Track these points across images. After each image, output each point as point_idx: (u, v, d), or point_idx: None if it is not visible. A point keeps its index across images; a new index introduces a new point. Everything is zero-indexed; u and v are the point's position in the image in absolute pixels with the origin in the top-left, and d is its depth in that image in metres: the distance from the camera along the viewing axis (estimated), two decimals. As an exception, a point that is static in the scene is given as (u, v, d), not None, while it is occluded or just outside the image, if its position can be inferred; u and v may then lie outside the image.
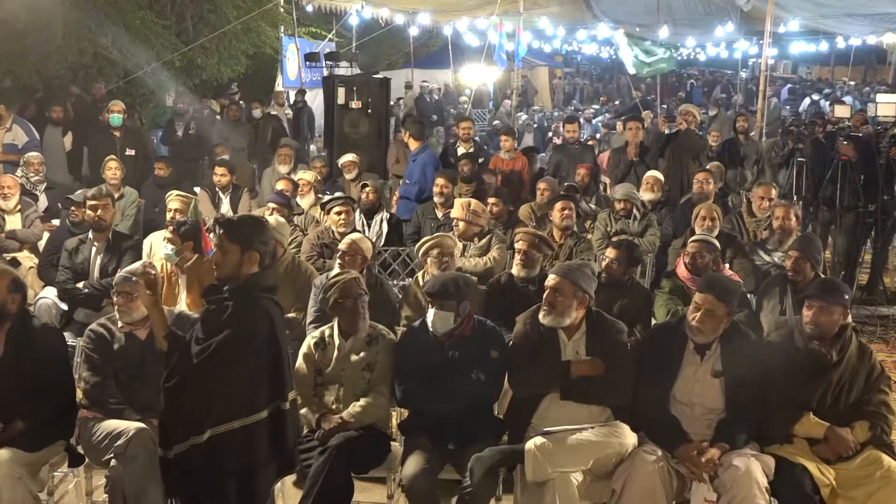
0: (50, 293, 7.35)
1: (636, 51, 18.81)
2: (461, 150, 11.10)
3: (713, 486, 4.71)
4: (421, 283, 6.43)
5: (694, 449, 4.76)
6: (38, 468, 4.96)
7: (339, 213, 7.74)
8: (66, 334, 6.18)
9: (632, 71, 19.09)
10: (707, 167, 9.85)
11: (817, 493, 4.70)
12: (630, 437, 4.91)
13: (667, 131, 12.19)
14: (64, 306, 7.17)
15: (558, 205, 7.78)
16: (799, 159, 9.92)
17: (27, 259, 8.22)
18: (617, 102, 27.25)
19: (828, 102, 22.40)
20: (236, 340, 4.12)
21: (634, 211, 8.49)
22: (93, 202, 7.40)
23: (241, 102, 16.01)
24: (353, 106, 12.63)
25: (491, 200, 8.59)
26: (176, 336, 4.34)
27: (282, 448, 4.36)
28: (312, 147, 15.97)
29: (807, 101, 25.04)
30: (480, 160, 10.97)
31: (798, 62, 36.28)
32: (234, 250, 4.21)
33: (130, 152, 10.87)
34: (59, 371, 5.26)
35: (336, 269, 6.17)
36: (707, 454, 4.72)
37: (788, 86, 30.05)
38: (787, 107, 24.58)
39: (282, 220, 7.51)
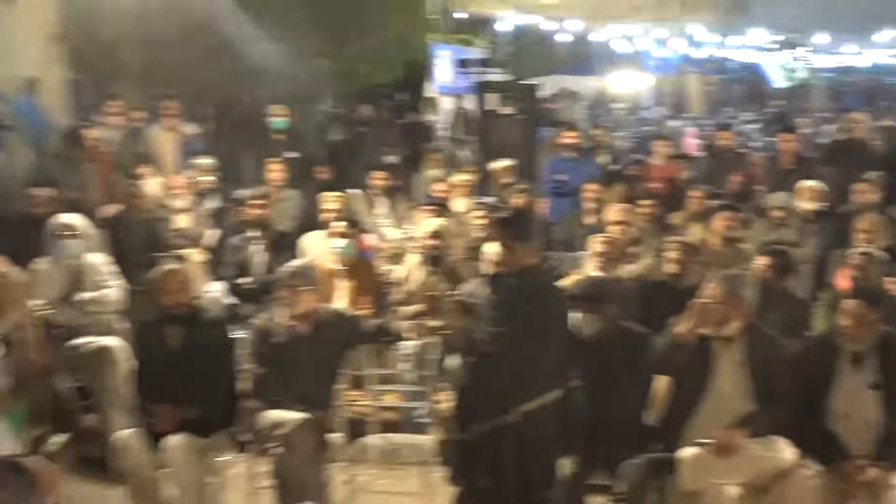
0: (216, 288, 7.64)
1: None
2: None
3: (872, 505, 4.60)
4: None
5: (853, 466, 4.64)
6: (207, 453, 5.17)
7: (481, 219, 7.87)
8: (231, 327, 6.43)
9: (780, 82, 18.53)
10: (869, 176, 9.48)
11: None
12: (788, 453, 4.78)
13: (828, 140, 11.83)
14: (229, 300, 7.43)
15: (724, 215, 7.65)
16: None
17: (195, 255, 8.54)
18: (774, 109, 26.57)
19: None
20: (532, 324, 4.42)
21: (792, 221, 8.29)
22: (256, 202, 7.69)
23: (393, 107, 16.32)
24: (503, 112, 12.73)
25: (645, 202, 8.57)
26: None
27: (570, 426, 4.62)
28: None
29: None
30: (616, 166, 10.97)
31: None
32: (516, 247, 4.55)
33: (292, 155, 11.20)
34: (226, 362, 5.51)
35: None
36: (866, 472, 4.60)
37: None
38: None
39: (444, 222, 7.68)
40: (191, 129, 11.56)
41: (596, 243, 6.71)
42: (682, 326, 5.03)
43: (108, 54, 13.02)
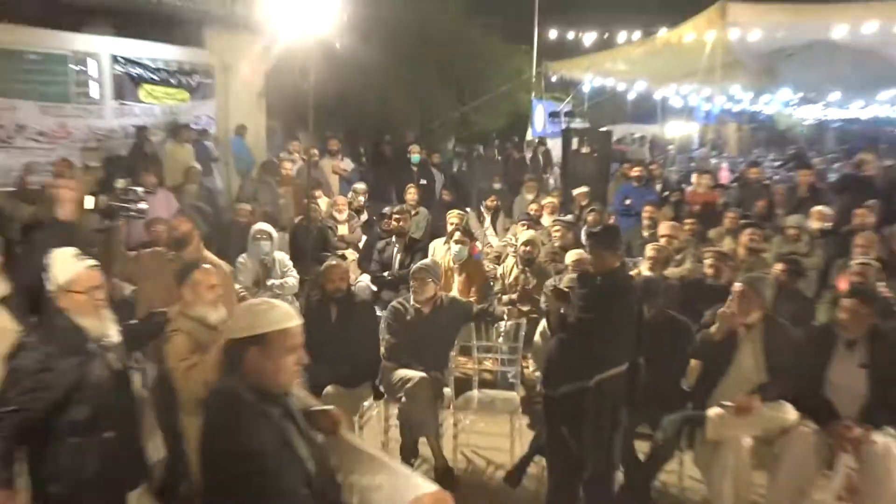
0: (365, 279, 7.74)
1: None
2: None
3: (856, 457, 4.40)
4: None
5: (842, 426, 4.46)
6: (353, 399, 5.28)
7: (556, 231, 7.85)
8: (375, 307, 6.55)
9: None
10: (868, 203, 9.04)
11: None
12: (792, 414, 4.63)
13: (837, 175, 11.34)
14: (374, 288, 7.53)
15: (749, 231, 7.41)
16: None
17: (350, 254, 8.71)
18: (792, 151, 25.54)
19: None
20: (612, 313, 4.45)
21: (804, 237, 7.99)
22: (396, 216, 7.81)
23: (500, 147, 16.28)
24: (584, 151, 12.62)
25: (688, 221, 8.41)
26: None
27: (634, 394, 4.61)
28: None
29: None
30: (666, 193, 10.74)
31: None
32: (605, 254, 4.55)
33: (423, 182, 11.33)
34: (370, 333, 5.59)
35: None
36: (853, 431, 4.41)
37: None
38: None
39: (534, 233, 7.67)
40: (348, 164, 11.80)
41: (649, 250, 6.61)
42: (715, 329, 4.91)
43: (293, 108, 13.42)
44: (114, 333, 3.61)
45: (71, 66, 10.84)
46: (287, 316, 2.59)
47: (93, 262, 3.59)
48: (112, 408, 3.50)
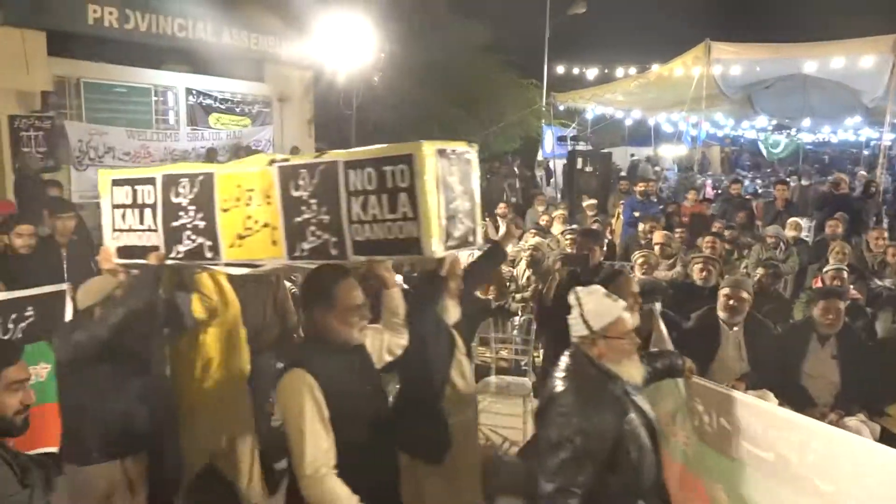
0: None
1: (765, 147, 18.98)
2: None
3: (831, 439, 4.26)
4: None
5: (818, 412, 4.32)
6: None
7: (568, 240, 7.73)
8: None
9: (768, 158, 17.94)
10: (838, 216, 8.79)
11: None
12: (773, 400, 4.48)
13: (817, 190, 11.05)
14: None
15: (708, 238, 7.21)
16: (909, 212, 8.76)
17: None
18: (768, 170, 25.12)
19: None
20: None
21: (781, 244, 7.81)
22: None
23: (515, 165, 16.18)
24: (587, 170, 12.50)
25: (678, 230, 8.26)
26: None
27: None
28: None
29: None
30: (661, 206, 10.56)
31: (910, 143, 31.62)
32: (595, 249, 4.84)
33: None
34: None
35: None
36: (827, 417, 4.28)
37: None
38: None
39: (542, 240, 7.57)
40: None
41: (638, 257, 6.45)
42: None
43: (337, 131, 13.46)
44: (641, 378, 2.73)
45: (153, 97, 10.98)
46: None
47: (624, 302, 2.72)
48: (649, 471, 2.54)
